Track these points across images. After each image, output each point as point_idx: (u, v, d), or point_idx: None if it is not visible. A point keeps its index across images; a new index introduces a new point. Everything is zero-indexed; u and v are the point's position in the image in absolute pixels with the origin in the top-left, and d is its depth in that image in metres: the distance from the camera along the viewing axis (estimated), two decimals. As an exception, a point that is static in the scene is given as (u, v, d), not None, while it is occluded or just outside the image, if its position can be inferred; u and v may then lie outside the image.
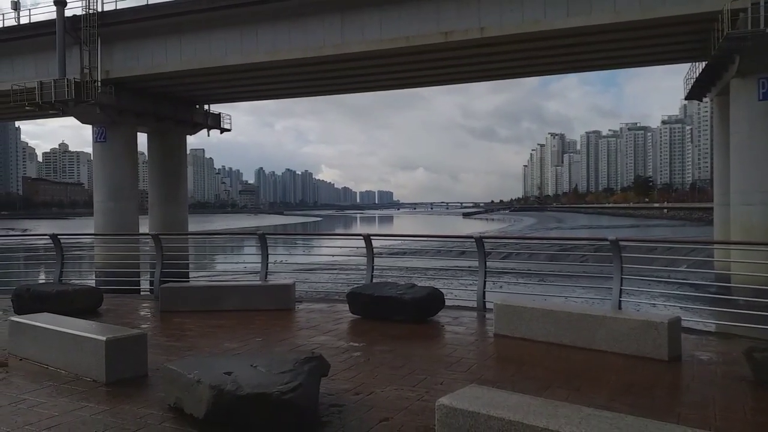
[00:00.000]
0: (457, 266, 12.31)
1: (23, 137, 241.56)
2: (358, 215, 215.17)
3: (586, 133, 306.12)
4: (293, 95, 35.82)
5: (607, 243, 7.84)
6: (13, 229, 73.60)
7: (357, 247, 11.52)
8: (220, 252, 24.95)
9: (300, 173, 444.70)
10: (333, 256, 17.09)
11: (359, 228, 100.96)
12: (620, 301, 7.73)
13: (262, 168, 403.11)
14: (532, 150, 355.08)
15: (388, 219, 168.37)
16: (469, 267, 10.40)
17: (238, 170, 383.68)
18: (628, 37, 23.05)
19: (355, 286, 9.03)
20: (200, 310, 8.85)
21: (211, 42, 26.55)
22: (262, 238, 10.87)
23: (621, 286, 7.77)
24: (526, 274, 20.34)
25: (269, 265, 10.97)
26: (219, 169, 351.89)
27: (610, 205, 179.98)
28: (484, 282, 8.94)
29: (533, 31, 22.12)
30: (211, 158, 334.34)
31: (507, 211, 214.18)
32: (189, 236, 22.48)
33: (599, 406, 3.78)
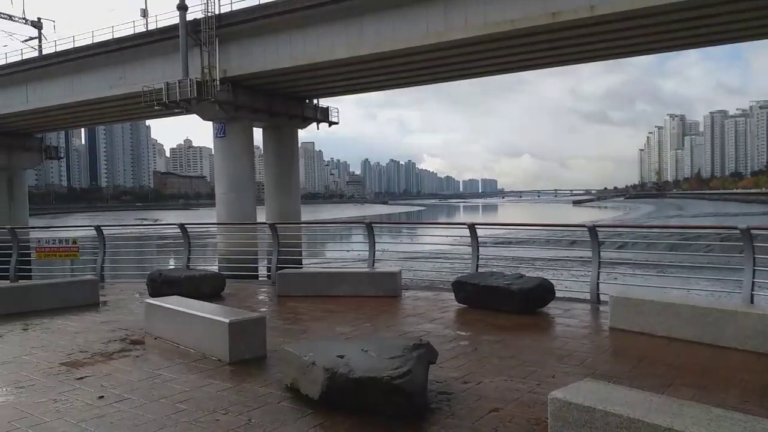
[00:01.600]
0: (567, 256, 11.86)
1: (153, 135, 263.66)
2: (462, 204, 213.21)
3: (710, 113, 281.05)
4: (396, 86, 36.06)
5: (737, 232, 7.21)
6: (145, 219, 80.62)
7: (461, 236, 11.45)
8: (329, 240, 25.84)
9: (403, 163, 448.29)
10: (437, 244, 17.09)
11: (463, 217, 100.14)
12: (752, 294, 7.09)
13: (367, 159, 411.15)
14: (649, 133, 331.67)
15: (493, 208, 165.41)
16: (581, 257, 9.99)
17: (345, 162, 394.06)
18: (760, 5, 20.80)
19: (461, 275, 8.99)
20: (313, 296, 9.23)
21: (318, 37, 27.36)
22: (369, 227, 11.10)
23: (753, 278, 7.11)
24: (644, 265, 19.17)
25: (376, 253, 11.20)
26: (328, 161, 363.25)
27: (739, 190, 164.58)
28: (598, 273, 8.55)
29: (649, 6, 20.59)
30: (320, 151, 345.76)
31: (621, 199, 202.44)
32: (302, 225, 23.49)
33: (730, 408, 3.51)
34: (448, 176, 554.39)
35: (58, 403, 4.56)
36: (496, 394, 4.59)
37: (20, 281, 11.68)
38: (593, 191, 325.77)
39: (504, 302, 7.83)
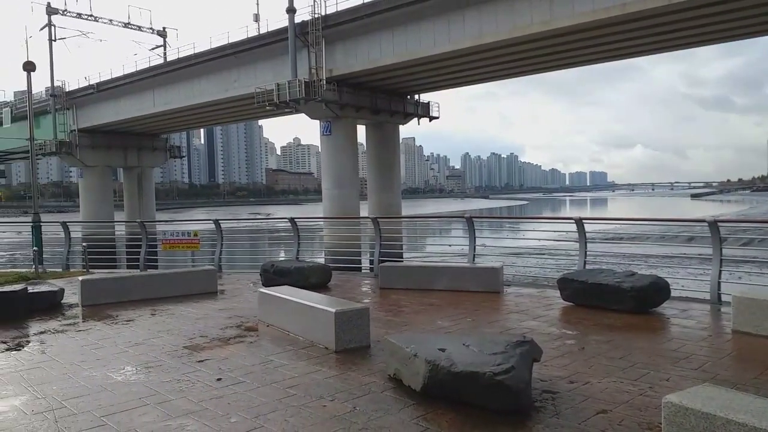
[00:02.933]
0: (684, 253, 11.09)
1: (265, 134, 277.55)
2: (568, 198, 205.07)
3: None
4: (497, 78, 35.33)
5: None
6: (258, 214, 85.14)
7: (567, 232, 11.06)
8: (429, 234, 25.93)
9: (505, 156, 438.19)
10: (541, 240, 16.62)
11: (569, 211, 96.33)
12: None
13: (467, 153, 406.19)
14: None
15: (602, 202, 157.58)
16: (700, 255, 9.31)
17: (445, 156, 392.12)
18: None
19: (567, 272, 8.69)
20: (414, 289, 9.34)
21: (420, 33, 27.44)
22: (470, 222, 11.02)
23: None
24: (774, 265, 17.49)
25: (477, 247, 11.10)
26: (428, 156, 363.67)
27: None
28: (719, 272, 7.93)
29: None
30: (420, 146, 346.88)
31: (747, 192, 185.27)
32: (403, 219, 23.76)
33: None
34: (552, 169, 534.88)
35: (182, 383, 4.97)
36: (604, 396, 4.42)
37: (148, 270, 12.82)
38: (714, 183, 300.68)
39: (614, 301, 7.48)
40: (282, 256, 16.28)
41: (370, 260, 16.09)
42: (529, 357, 4.42)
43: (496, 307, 8.26)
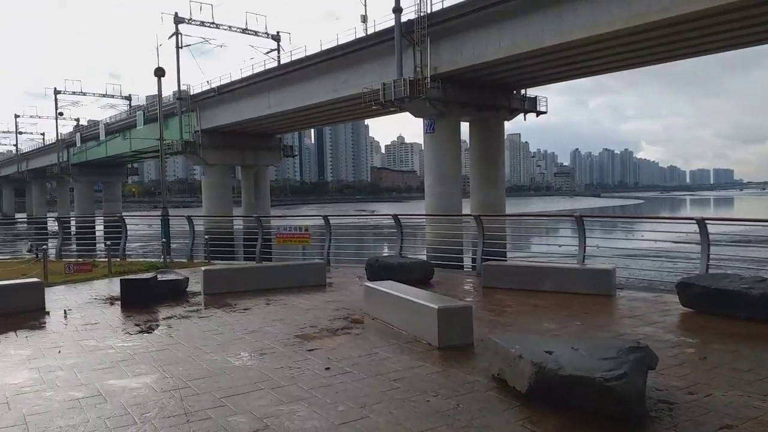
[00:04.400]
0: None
1: (371, 133, 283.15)
2: (688, 197, 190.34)
3: None
4: (609, 70, 33.50)
5: None
6: (363, 210, 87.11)
7: (686, 233, 10.34)
8: (534, 234, 25.19)
9: (618, 152, 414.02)
10: (657, 241, 15.65)
11: (689, 211, 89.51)
12: None
13: (577, 149, 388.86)
14: None
15: (727, 201, 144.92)
16: None
17: (553, 153, 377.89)
18: None
19: (687, 276, 8.12)
20: (518, 289, 9.14)
21: (528, 26, 26.66)
22: (580, 221, 10.61)
23: None
24: None
25: (587, 248, 10.66)
26: (534, 153, 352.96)
27: None
28: None
29: None
30: (526, 142, 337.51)
31: None
32: (507, 217, 23.30)
33: None
34: (671, 166, 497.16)
35: (293, 371, 5.24)
36: (728, 410, 4.11)
37: (263, 262, 13.57)
38: None
39: (740, 308, 6.90)
40: (385, 251, 16.58)
41: (471, 258, 15.94)
42: (643, 364, 4.19)
43: (608, 311, 7.90)
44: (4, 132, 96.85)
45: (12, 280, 9.23)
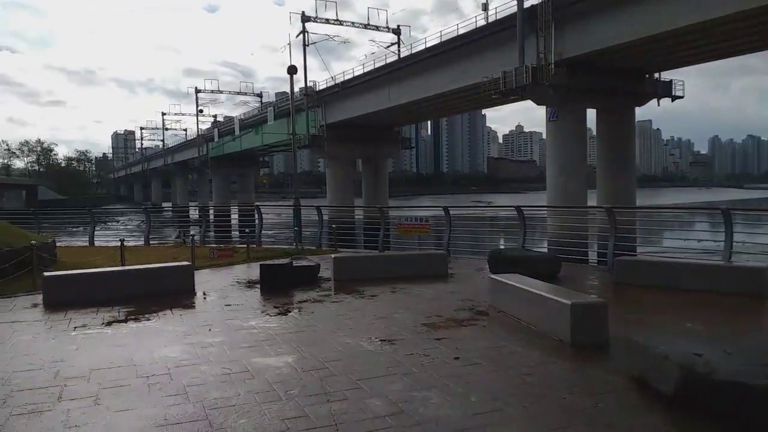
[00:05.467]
0: None
1: (488, 123, 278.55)
2: None
3: None
4: (756, 49, 30.09)
5: None
6: (480, 202, 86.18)
7: None
8: (667, 227, 23.44)
9: (766, 139, 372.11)
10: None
11: None
12: None
13: (716, 136, 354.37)
14: None
15: None
16: None
17: (688, 140, 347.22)
18: None
19: None
20: (654, 286, 8.59)
21: (661, 5, 24.69)
22: (726, 214, 9.77)
23: None
24: None
25: (734, 244, 9.78)
26: (666, 140, 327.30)
27: None
28: None
29: None
30: (658, 129, 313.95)
31: None
32: (641, 210, 21.91)
33: None
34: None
35: (423, 358, 5.34)
36: None
37: (386, 252, 13.90)
38: None
39: None
40: (502, 243, 16.27)
41: (598, 252, 15.18)
42: (812, 374, 3.79)
43: (762, 312, 7.20)
44: (153, 129, 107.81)
45: (165, 263, 10.22)
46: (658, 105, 34.85)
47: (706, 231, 15.99)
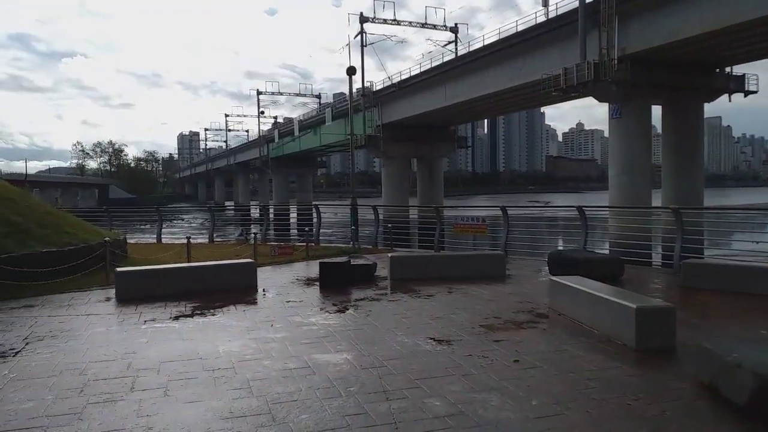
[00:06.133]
0: None
1: (547, 121, 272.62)
2: None
3: None
4: None
5: None
6: (537, 201, 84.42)
7: None
8: (737, 229, 22.27)
9: None
10: None
11: None
12: None
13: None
14: None
15: None
16: None
17: (762, 137, 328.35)
18: None
19: None
20: (724, 290, 8.21)
21: (737, -5, 23.51)
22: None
23: None
24: None
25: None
26: (738, 138, 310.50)
27: None
28: None
29: None
30: (728, 126, 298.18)
31: None
32: (712, 211, 20.93)
33: None
34: None
35: (481, 360, 5.31)
36: None
37: (443, 251, 13.86)
38: None
39: None
40: (560, 244, 15.90)
41: (662, 254, 14.61)
42: None
43: None
44: (216, 130, 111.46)
45: (228, 260, 10.56)
46: (729, 100, 33.11)
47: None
